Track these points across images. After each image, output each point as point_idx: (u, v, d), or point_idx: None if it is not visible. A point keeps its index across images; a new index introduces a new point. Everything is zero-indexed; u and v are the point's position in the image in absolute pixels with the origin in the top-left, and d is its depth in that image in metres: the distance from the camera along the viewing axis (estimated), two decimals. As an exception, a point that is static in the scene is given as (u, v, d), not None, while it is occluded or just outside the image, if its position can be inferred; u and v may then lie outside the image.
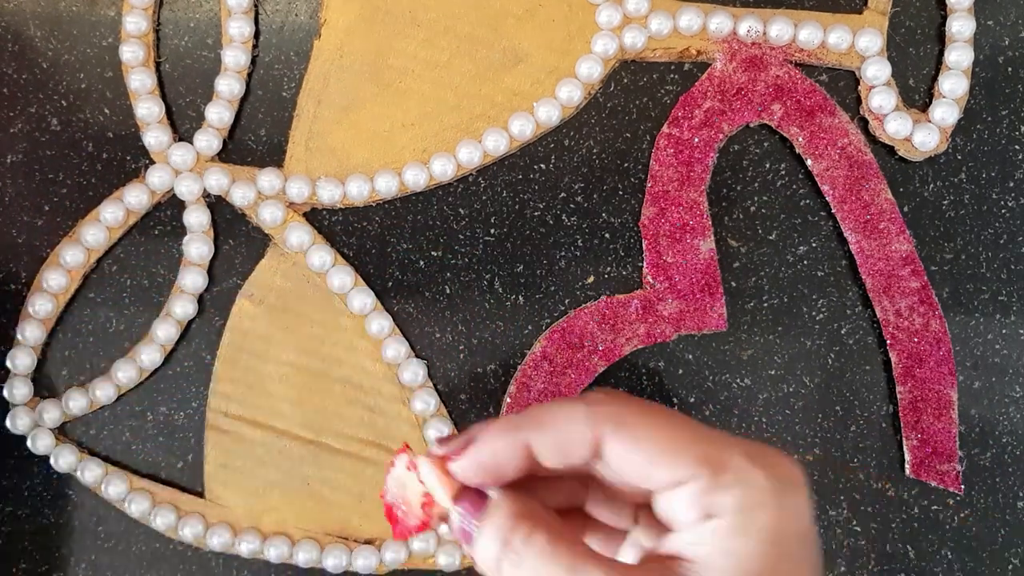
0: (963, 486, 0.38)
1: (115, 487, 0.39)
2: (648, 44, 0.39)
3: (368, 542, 0.39)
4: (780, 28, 0.39)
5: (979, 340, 0.39)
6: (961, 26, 0.38)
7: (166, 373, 0.40)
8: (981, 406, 0.39)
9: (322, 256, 0.39)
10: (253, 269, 0.40)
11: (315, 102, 0.39)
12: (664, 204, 0.39)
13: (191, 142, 0.39)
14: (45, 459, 0.39)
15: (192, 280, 0.39)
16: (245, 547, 0.39)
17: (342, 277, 0.39)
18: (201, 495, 0.39)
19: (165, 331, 0.39)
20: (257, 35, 0.40)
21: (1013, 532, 0.38)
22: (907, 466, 0.38)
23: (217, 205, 0.40)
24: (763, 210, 0.39)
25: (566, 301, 0.39)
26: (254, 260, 0.40)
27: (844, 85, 0.39)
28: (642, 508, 0.29)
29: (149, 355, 0.39)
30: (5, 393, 0.39)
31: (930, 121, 0.39)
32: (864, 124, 0.39)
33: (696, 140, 0.39)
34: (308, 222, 0.39)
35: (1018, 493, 0.39)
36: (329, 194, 0.39)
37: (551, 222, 0.40)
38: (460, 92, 0.39)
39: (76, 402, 0.39)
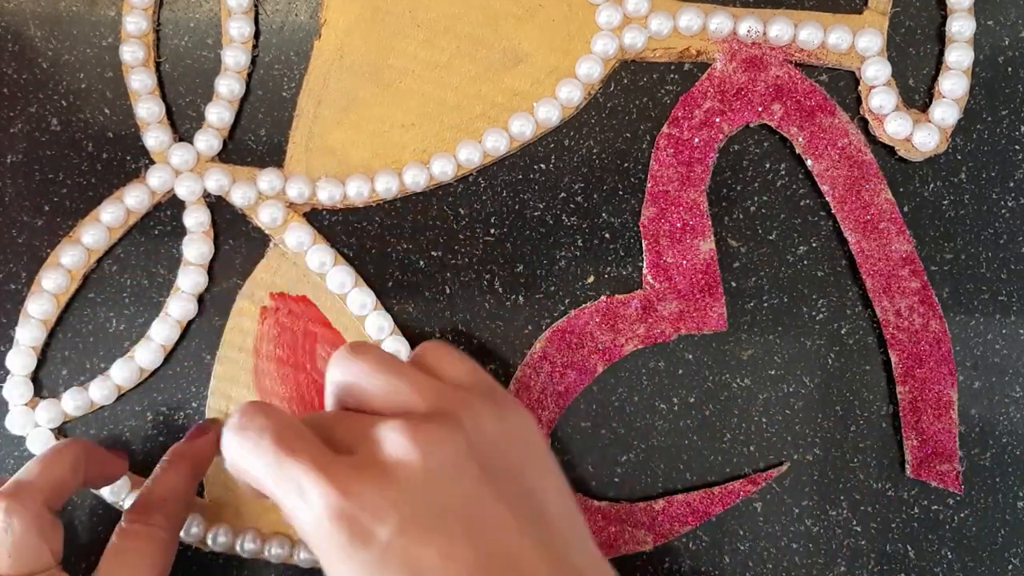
0: (963, 486, 0.38)
1: (115, 488, 0.39)
2: (648, 44, 0.39)
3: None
4: (780, 28, 0.39)
5: (979, 340, 0.39)
6: (961, 26, 0.38)
7: (166, 373, 0.40)
8: (981, 406, 0.39)
9: (322, 256, 0.39)
10: (253, 269, 0.40)
11: (315, 102, 0.39)
12: (664, 204, 0.39)
13: (191, 142, 0.39)
14: (45, 459, 0.39)
15: (192, 280, 0.39)
16: (245, 547, 0.39)
17: (342, 277, 0.39)
18: (201, 495, 0.39)
19: (165, 331, 0.39)
20: (257, 35, 0.40)
21: (1013, 532, 0.38)
22: (907, 466, 0.38)
23: (217, 205, 0.40)
24: (763, 210, 0.39)
25: (566, 301, 0.39)
26: (254, 260, 0.40)
27: (844, 85, 0.39)
28: None
29: (149, 355, 0.39)
30: (4, 393, 0.39)
31: (930, 121, 0.39)
32: (864, 124, 0.39)
33: (696, 140, 0.39)
34: (308, 222, 0.39)
35: (1018, 493, 0.39)
36: (329, 194, 0.39)
37: (551, 222, 0.40)
38: (460, 92, 0.39)
39: (75, 402, 0.39)
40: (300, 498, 0.28)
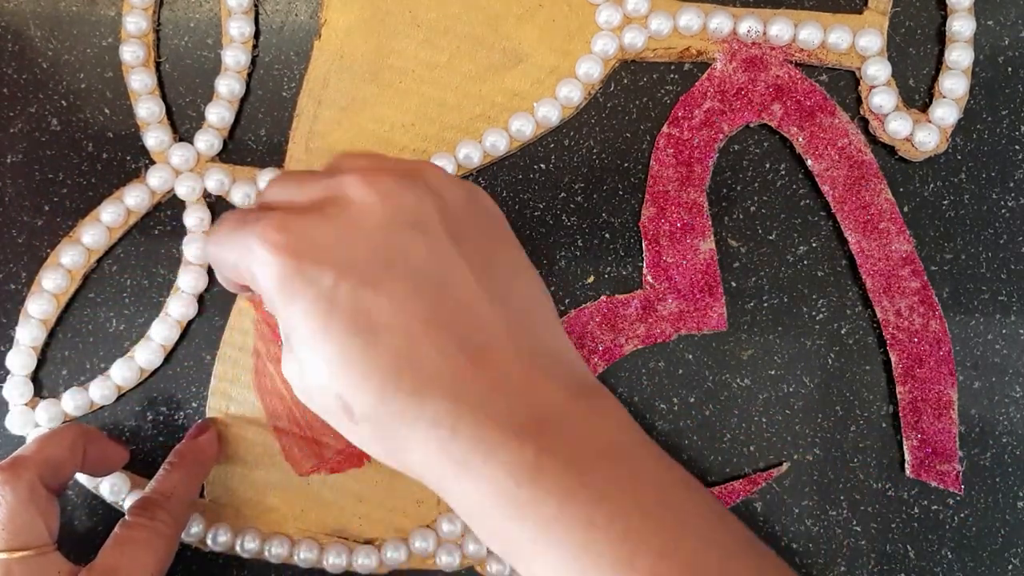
0: (963, 486, 0.38)
1: (114, 487, 0.39)
2: (648, 44, 0.39)
3: (368, 542, 0.39)
4: (780, 28, 0.39)
5: (979, 340, 0.39)
6: (961, 26, 0.38)
7: (166, 373, 0.40)
8: (981, 406, 0.39)
9: (322, 256, 0.39)
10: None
11: (315, 102, 0.39)
12: (664, 204, 0.39)
13: (191, 142, 0.39)
14: (45, 459, 0.39)
15: (192, 280, 0.39)
16: (246, 547, 0.39)
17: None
18: (201, 495, 0.39)
19: (165, 331, 0.39)
20: (257, 35, 0.40)
21: (1013, 532, 0.38)
22: (907, 466, 0.38)
23: (217, 205, 0.40)
24: (763, 210, 0.39)
25: (566, 301, 0.39)
26: (254, 260, 0.40)
27: (844, 85, 0.39)
28: None
29: (149, 355, 0.39)
30: (4, 393, 0.39)
31: (930, 121, 0.39)
32: (864, 124, 0.39)
33: (696, 140, 0.39)
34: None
35: (1018, 493, 0.39)
36: (329, 194, 0.39)
37: (551, 222, 0.40)
38: (460, 92, 0.39)
39: (75, 402, 0.39)
40: (251, 253, 0.27)
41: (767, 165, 0.39)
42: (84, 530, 0.40)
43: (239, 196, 0.39)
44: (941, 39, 0.39)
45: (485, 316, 0.27)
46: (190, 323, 0.40)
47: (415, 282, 0.27)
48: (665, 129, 0.39)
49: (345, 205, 0.27)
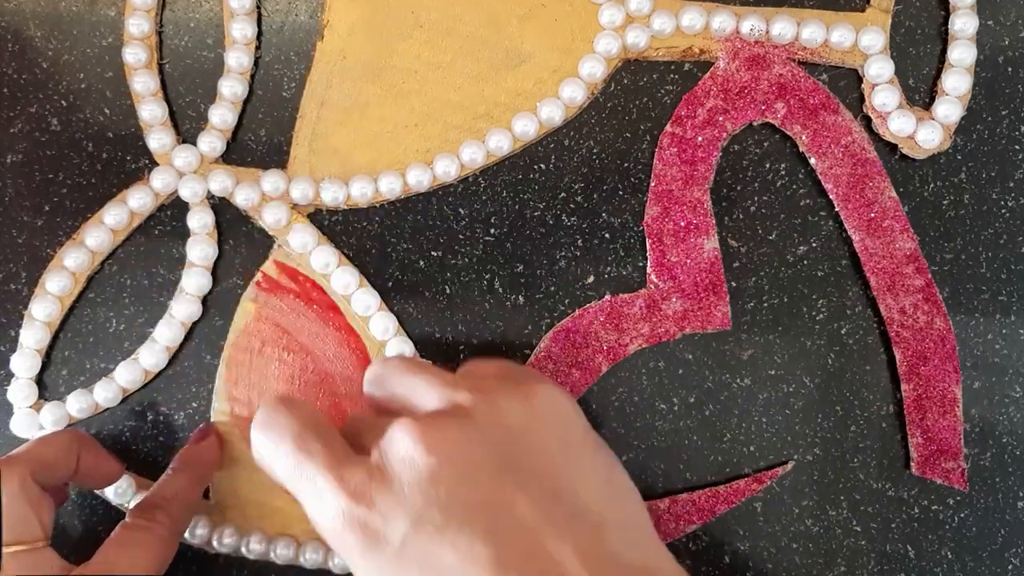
0: (963, 484, 0.39)
1: (119, 489, 0.39)
2: (651, 43, 0.39)
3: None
4: (783, 27, 0.38)
5: (979, 340, 0.39)
6: (964, 24, 0.38)
7: (167, 374, 0.40)
8: (981, 406, 0.39)
9: (326, 257, 0.39)
10: (256, 270, 0.39)
11: (318, 103, 0.39)
12: (668, 203, 0.39)
13: (194, 144, 0.39)
14: (48, 460, 0.39)
15: (195, 281, 0.39)
16: (251, 548, 0.39)
17: (346, 278, 0.39)
18: (206, 496, 0.39)
19: (169, 333, 0.39)
20: (259, 36, 0.40)
21: (1013, 532, 0.39)
22: (912, 464, 0.38)
23: (220, 206, 0.40)
24: (763, 210, 0.39)
25: (566, 301, 0.39)
26: (257, 261, 0.40)
27: (847, 83, 0.39)
28: None
29: (153, 357, 0.39)
30: (8, 396, 0.39)
31: (933, 119, 0.39)
32: (867, 122, 0.39)
33: (699, 139, 0.39)
34: (311, 223, 0.39)
35: (1018, 493, 0.39)
36: (332, 195, 0.39)
37: (551, 222, 0.40)
38: (463, 92, 0.39)
39: (80, 404, 0.39)
40: (318, 500, 0.29)
41: (767, 165, 0.39)
42: (86, 531, 0.40)
43: (242, 198, 0.39)
44: (943, 37, 0.39)
45: (552, 548, 0.28)
46: (194, 324, 0.40)
47: (476, 530, 0.28)
48: (668, 128, 0.39)
49: (397, 466, 0.29)
